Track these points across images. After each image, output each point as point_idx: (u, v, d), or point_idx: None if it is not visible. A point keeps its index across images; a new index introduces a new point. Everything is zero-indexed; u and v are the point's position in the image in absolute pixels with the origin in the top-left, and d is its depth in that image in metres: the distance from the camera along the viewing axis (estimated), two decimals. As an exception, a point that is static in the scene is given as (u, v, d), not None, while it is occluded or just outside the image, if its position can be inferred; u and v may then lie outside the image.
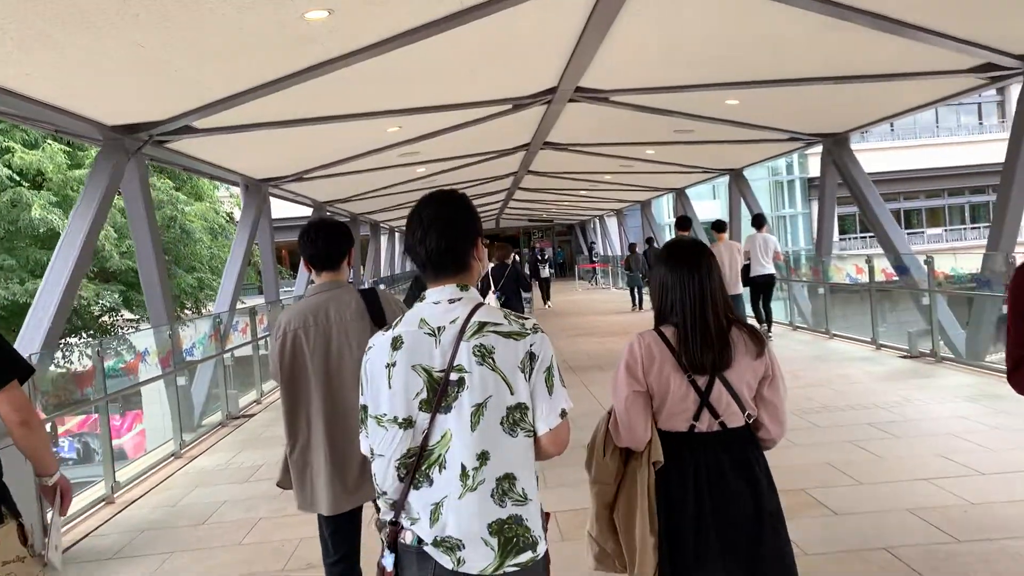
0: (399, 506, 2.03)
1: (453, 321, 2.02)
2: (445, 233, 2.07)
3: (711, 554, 2.43)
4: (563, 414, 2.05)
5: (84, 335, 17.36)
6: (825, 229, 12.88)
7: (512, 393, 1.99)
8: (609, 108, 9.81)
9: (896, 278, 11.23)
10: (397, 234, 31.10)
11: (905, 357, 10.03)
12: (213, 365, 9.59)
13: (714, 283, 2.52)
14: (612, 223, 33.99)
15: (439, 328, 2.03)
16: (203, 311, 20.19)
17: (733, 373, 2.45)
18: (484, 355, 1.99)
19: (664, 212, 39.19)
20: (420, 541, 2.01)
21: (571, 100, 9.41)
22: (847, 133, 11.84)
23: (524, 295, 11.29)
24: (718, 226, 11.56)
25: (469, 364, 1.98)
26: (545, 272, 22.93)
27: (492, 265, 10.71)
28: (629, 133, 12.35)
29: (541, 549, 2.03)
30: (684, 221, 12.04)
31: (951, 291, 10.26)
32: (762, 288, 11.74)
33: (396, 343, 2.04)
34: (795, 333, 13.24)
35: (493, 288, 10.47)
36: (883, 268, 11.05)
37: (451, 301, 2.07)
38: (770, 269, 11.63)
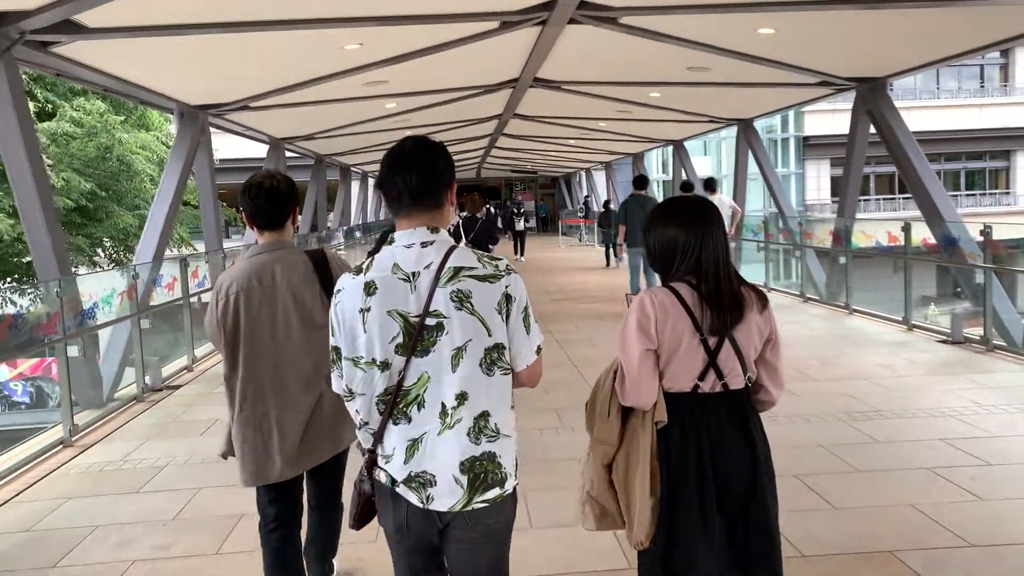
0: (379, 436, 2.12)
1: (427, 266, 2.06)
2: (425, 168, 2.10)
3: (710, 513, 2.42)
4: (538, 350, 2.17)
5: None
6: (851, 189, 11.36)
7: (490, 335, 2.07)
8: (616, 33, 8.15)
9: (931, 249, 9.78)
10: (370, 180, 29.31)
11: (946, 342, 8.62)
12: (129, 328, 7.96)
13: (727, 243, 2.52)
14: (600, 177, 32.26)
15: (414, 274, 2.06)
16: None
17: (741, 333, 2.44)
18: (462, 300, 2.04)
19: (654, 167, 37.57)
20: (393, 482, 2.10)
21: (572, 20, 7.75)
22: (886, 79, 10.23)
23: (490, 248, 11.12)
24: (685, 187, 12.91)
25: (447, 310, 2.04)
26: (520, 225, 23.10)
27: (464, 216, 10.69)
28: (634, 70, 10.70)
29: (510, 485, 2.12)
30: (642, 180, 11.75)
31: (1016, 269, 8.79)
32: None
33: (369, 288, 2.06)
34: (807, 306, 11.79)
35: (464, 240, 10.46)
36: (923, 237, 9.55)
37: (423, 244, 2.09)
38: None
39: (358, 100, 10.91)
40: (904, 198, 44.10)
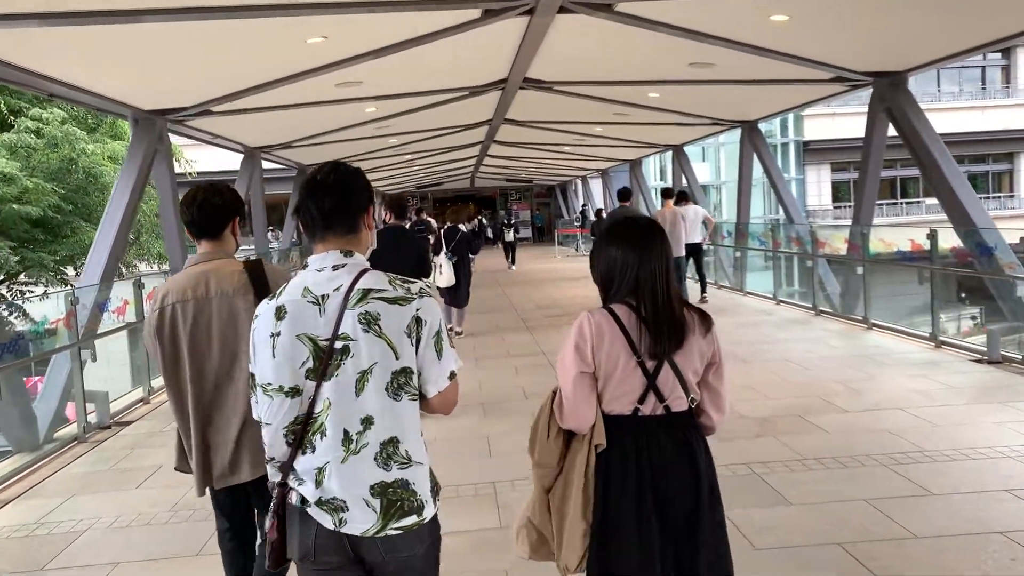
0: (287, 468, 2.06)
1: (337, 289, 2.04)
2: (339, 193, 2.11)
3: (652, 539, 2.36)
4: (452, 376, 2.11)
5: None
6: (867, 194, 10.49)
7: (397, 358, 2.03)
8: (611, 24, 7.32)
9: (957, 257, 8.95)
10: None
11: (981, 362, 7.76)
12: (68, 360, 7.09)
13: (670, 264, 2.45)
14: (596, 185, 31.38)
15: (323, 296, 2.04)
16: (124, 272, 17.54)
17: (682, 356, 2.40)
18: (370, 322, 2.01)
19: (652, 174, 36.70)
20: (304, 501, 2.04)
21: (562, 9, 6.92)
22: (906, 73, 9.40)
23: (471, 257, 11.45)
24: (666, 193, 12.55)
25: (355, 332, 2.01)
26: (510, 236, 23.70)
27: (447, 226, 10.79)
28: (631, 67, 9.88)
29: (428, 513, 2.08)
30: (626, 192, 11.97)
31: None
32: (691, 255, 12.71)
33: (280, 312, 2.05)
34: (820, 320, 10.92)
35: (445, 249, 10.37)
36: (953, 246, 8.71)
37: (335, 267, 2.08)
38: (697, 239, 12.54)
39: (333, 104, 10.06)
40: (907, 203, 43.45)
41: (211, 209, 2.96)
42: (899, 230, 13.29)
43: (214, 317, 2.87)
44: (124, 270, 17.68)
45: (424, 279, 7.03)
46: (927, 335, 8.84)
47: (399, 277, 2.11)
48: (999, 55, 42.30)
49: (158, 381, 8.68)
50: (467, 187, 36.26)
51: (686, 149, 18.77)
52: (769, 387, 7.14)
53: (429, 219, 19.68)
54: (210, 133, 10.90)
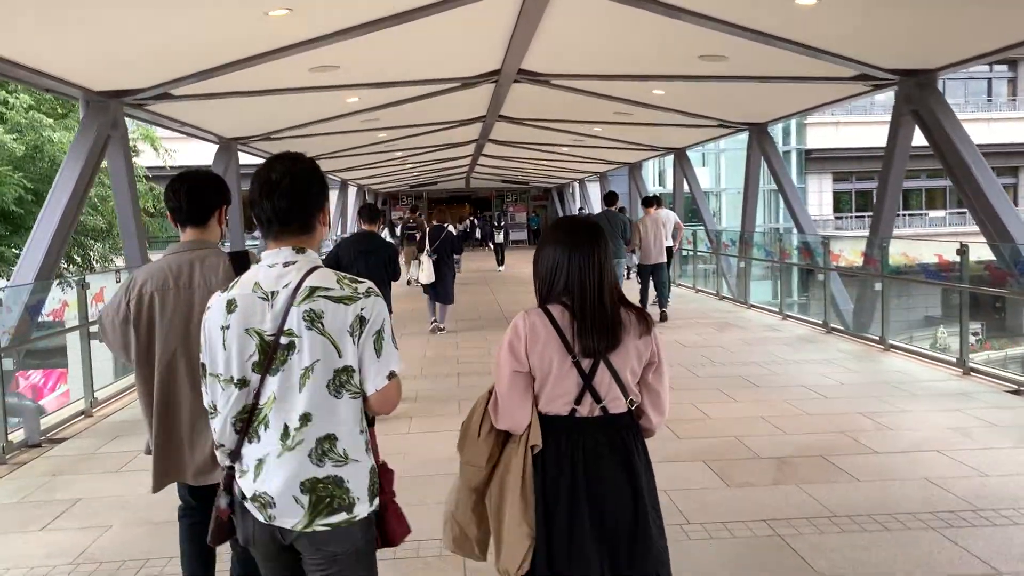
0: (235, 456, 2.13)
1: (286, 286, 2.07)
2: (295, 191, 2.11)
3: (585, 542, 2.33)
4: (391, 375, 2.11)
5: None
6: (888, 203, 9.65)
7: (340, 356, 2.05)
8: (615, 5, 6.48)
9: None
10: (350, 188, 27.68)
11: (1018, 393, 6.95)
12: (-10, 369, 6.22)
13: (609, 263, 2.45)
14: (594, 188, 30.57)
15: (272, 292, 2.07)
16: (97, 268, 16.66)
17: (618, 356, 2.38)
18: (313, 320, 2.04)
19: (651, 178, 35.88)
20: (243, 496, 2.12)
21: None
22: (936, 72, 8.56)
23: (455, 256, 11.85)
24: (646, 201, 12.16)
25: (299, 329, 2.04)
26: (500, 238, 24.59)
27: (433, 225, 11.10)
28: (636, 59, 9.05)
29: (360, 511, 2.09)
30: (612, 196, 12.06)
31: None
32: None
33: (231, 306, 2.08)
34: (832, 339, 10.08)
35: (428, 248, 10.67)
36: (987, 263, 7.88)
37: (285, 264, 2.10)
38: (668, 243, 12.27)
39: (310, 91, 9.21)
40: (910, 215, 42.63)
41: (200, 195, 2.88)
42: (917, 243, 12.44)
43: (195, 309, 2.77)
44: (96, 267, 16.81)
45: (394, 280, 7.27)
46: (954, 360, 8.01)
47: (348, 276, 2.12)
48: (1006, 67, 41.67)
49: (103, 392, 7.86)
50: (463, 188, 35.53)
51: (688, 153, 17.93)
52: (784, 419, 6.30)
53: (421, 219, 20.30)
54: (176, 120, 10.03)
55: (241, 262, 2.82)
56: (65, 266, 16.50)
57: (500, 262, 23.66)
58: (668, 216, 12.29)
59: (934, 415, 6.36)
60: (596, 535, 2.32)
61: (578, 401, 2.36)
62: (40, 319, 6.98)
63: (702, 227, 17.26)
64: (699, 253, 17.33)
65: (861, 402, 6.78)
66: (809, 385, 7.45)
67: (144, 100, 8.28)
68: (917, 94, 8.62)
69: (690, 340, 10.15)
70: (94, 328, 7.65)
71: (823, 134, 39.76)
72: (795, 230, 13.55)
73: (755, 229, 14.70)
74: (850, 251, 11.13)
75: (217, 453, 2.16)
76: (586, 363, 2.35)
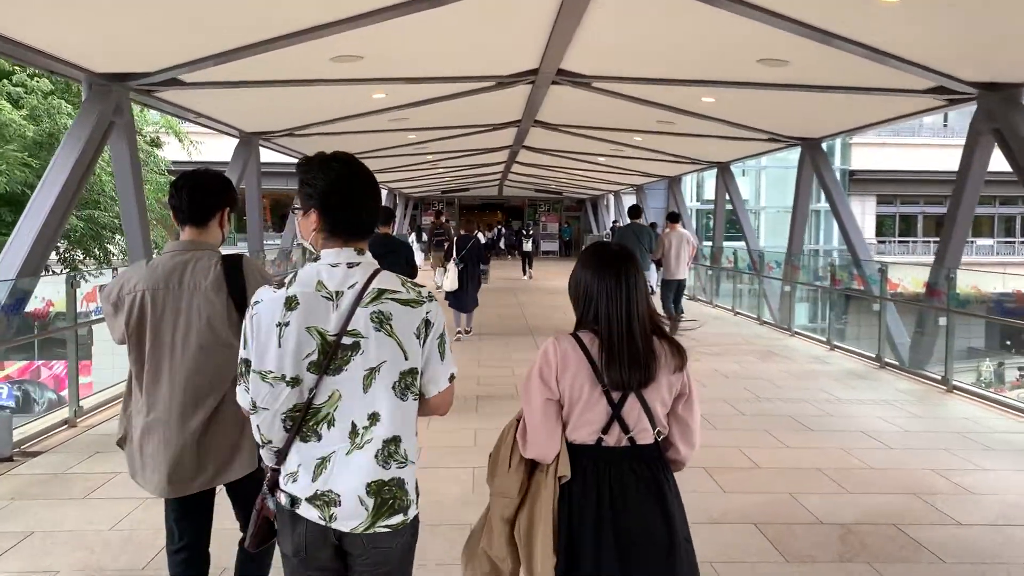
0: (283, 454, 2.10)
1: (352, 286, 2.07)
2: (360, 197, 2.13)
3: (609, 573, 2.26)
4: (451, 378, 2.18)
5: None
6: (958, 230, 8.78)
7: (407, 359, 2.07)
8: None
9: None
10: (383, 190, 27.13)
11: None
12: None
13: (640, 293, 2.39)
14: (630, 201, 29.69)
15: (337, 292, 2.06)
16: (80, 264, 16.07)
17: (649, 389, 2.32)
18: (382, 321, 2.05)
19: (689, 191, 34.91)
20: (293, 503, 2.07)
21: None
22: (1023, 87, 7.71)
23: (482, 266, 12.47)
24: (671, 217, 12.18)
25: (366, 330, 2.04)
26: (528, 246, 24.89)
27: (462, 234, 11.35)
28: (687, 62, 8.31)
29: (412, 513, 2.13)
30: (636, 210, 12.08)
31: None
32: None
33: (291, 303, 2.05)
34: (886, 375, 9.23)
35: (456, 257, 10.84)
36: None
37: (349, 265, 2.10)
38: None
39: (331, 84, 8.57)
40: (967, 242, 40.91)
41: (201, 195, 2.85)
42: (985, 274, 11.52)
43: (183, 312, 2.77)
44: (114, 261, 16.33)
45: (412, 277, 6.75)
46: (1029, 408, 7.16)
47: (410, 280, 2.16)
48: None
49: (91, 400, 7.27)
50: (495, 195, 34.93)
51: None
52: (844, 473, 5.50)
53: (448, 225, 20.26)
54: (190, 111, 9.44)
55: (233, 267, 2.80)
56: (82, 258, 16.06)
57: (525, 271, 23.93)
58: (686, 234, 11.85)
59: (1020, 476, 5.53)
60: (623, 569, 2.25)
61: (605, 430, 2.31)
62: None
63: (739, 244, 16.48)
64: (739, 273, 16.47)
65: (930, 455, 5.97)
66: (868, 431, 6.64)
67: (151, 86, 7.66)
68: (1001, 110, 7.76)
69: (731, 370, 9.38)
70: (83, 331, 7.09)
71: (868, 155, 38.62)
72: (834, 253, 12.70)
73: (802, 251, 13.86)
74: (911, 280, 10.24)
75: (263, 452, 2.14)
76: (616, 393, 2.31)
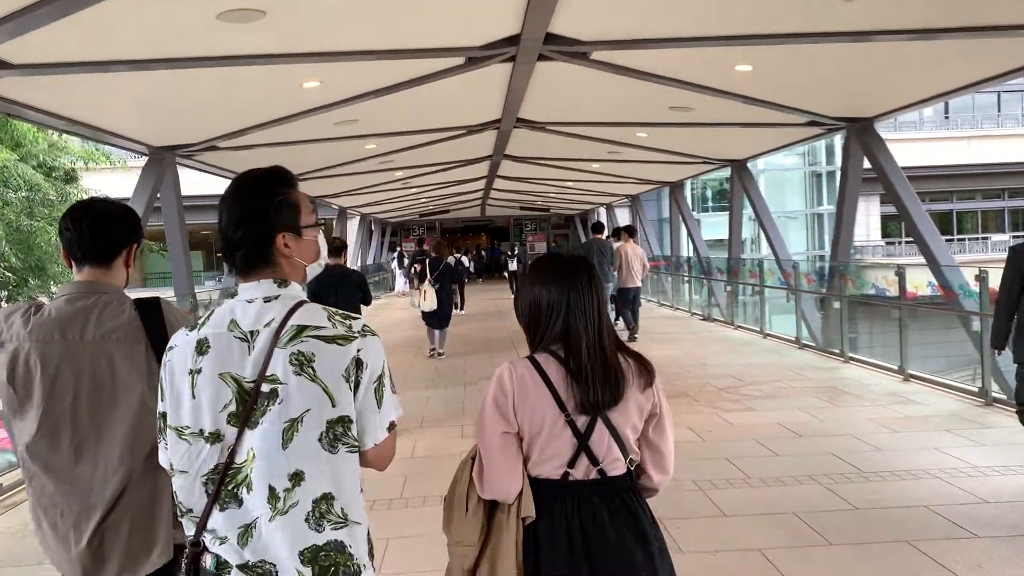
0: (203, 524, 1.87)
1: (268, 324, 1.87)
2: (250, 217, 1.95)
3: None
4: (391, 427, 1.94)
5: None
6: (846, 227, 11.36)
7: (334, 406, 1.84)
8: (588, 70, 8.16)
9: None
10: (372, 223, 29.51)
11: None
12: None
13: (606, 305, 2.31)
14: (623, 215, 27.57)
15: (252, 332, 1.87)
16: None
17: (618, 413, 2.21)
18: (303, 364, 1.83)
19: (692, 199, 34.86)
20: (223, 566, 1.85)
21: (541, 57, 7.70)
22: (873, 120, 10.46)
23: (453, 287, 13.46)
24: (628, 230, 13.78)
25: (285, 374, 1.83)
26: (513, 266, 27.53)
27: (432, 257, 12.46)
28: (616, 110, 10.75)
29: None
30: (599, 226, 13.50)
31: None
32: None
33: (202, 346, 1.87)
34: (1003, 419, 7.06)
35: (430, 278, 11.92)
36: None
37: (266, 300, 1.91)
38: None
39: (334, 141, 11.01)
40: (970, 239, 40.03)
41: (105, 227, 2.46)
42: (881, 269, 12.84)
43: (86, 369, 2.33)
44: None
45: (366, 304, 7.84)
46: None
47: (340, 312, 1.93)
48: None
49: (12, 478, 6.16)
50: (478, 216, 35.69)
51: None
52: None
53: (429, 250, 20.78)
54: (217, 167, 11.90)
55: (151, 312, 2.42)
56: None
57: (513, 290, 24.97)
58: (641, 252, 13.38)
59: None
60: None
61: (572, 464, 2.19)
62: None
63: (763, 255, 15.31)
64: (768, 288, 14.03)
65: (1002, 505, 4.71)
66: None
67: (193, 152, 10.35)
68: (862, 137, 10.51)
69: (799, 421, 7.23)
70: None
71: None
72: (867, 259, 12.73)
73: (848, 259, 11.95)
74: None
75: (184, 521, 1.91)
76: (581, 421, 2.18)
